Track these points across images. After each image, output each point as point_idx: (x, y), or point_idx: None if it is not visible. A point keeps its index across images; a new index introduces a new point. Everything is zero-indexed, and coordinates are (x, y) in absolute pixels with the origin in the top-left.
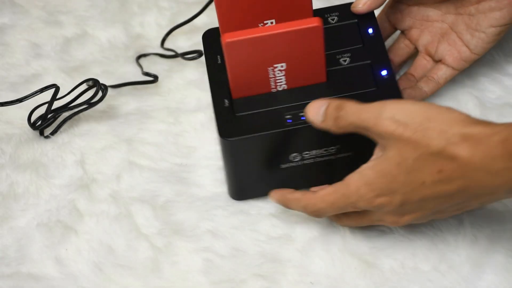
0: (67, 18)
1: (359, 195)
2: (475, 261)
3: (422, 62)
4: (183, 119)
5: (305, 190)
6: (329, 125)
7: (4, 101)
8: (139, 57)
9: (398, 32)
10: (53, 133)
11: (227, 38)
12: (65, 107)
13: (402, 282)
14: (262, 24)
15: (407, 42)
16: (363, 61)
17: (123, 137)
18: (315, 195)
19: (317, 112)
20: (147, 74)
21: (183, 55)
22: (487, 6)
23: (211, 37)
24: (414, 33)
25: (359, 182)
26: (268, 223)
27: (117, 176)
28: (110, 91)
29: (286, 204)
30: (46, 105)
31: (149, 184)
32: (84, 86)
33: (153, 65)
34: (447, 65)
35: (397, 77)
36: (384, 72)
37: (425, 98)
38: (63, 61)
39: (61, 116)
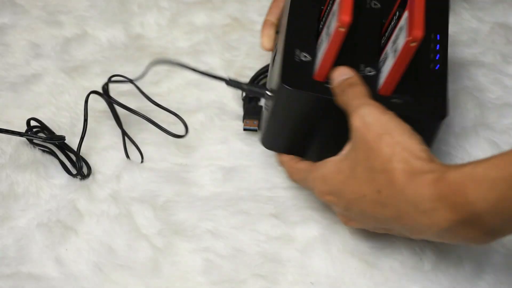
0: (67, 18)
1: (314, 185)
2: (475, 261)
3: None
4: (183, 119)
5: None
6: (335, 93)
7: (4, 129)
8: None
9: None
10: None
11: (347, 18)
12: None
13: (402, 282)
14: None
15: None
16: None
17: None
18: (295, 164)
19: (337, 77)
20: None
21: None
22: None
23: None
24: None
25: (318, 172)
26: (268, 223)
27: (117, 176)
28: (110, 90)
29: (279, 162)
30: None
31: (149, 184)
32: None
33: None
34: None
35: None
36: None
37: None
38: (63, 61)
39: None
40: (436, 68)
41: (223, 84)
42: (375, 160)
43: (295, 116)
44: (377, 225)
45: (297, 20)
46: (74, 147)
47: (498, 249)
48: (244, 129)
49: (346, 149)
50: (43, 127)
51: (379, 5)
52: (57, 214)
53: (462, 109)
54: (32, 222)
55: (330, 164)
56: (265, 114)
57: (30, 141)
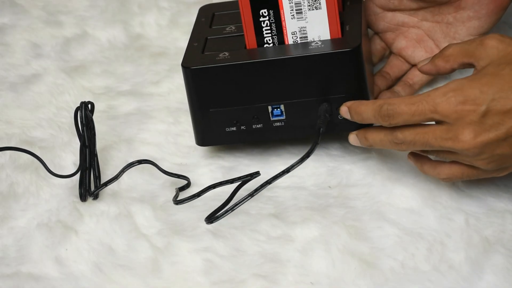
0: (67, 18)
1: (443, 98)
2: (475, 261)
3: (397, 62)
4: (183, 119)
5: None
6: (439, 62)
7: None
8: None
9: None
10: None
11: None
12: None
13: (402, 282)
14: None
15: (382, 44)
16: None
17: (123, 137)
18: (396, 97)
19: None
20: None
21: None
22: (465, 15)
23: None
24: (388, 36)
25: (448, 87)
26: (268, 223)
27: (117, 176)
28: (110, 90)
29: (357, 107)
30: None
31: (149, 184)
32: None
33: (153, 65)
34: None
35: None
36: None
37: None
38: (63, 61)
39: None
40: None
41: None
42: None
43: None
44: None
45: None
46: (74, 147)
47: (498, 249)
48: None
49: (474, 72)
50: None
51: None
52: (57, 214)
53: None
54: (32, 222)
55: (460, 81)
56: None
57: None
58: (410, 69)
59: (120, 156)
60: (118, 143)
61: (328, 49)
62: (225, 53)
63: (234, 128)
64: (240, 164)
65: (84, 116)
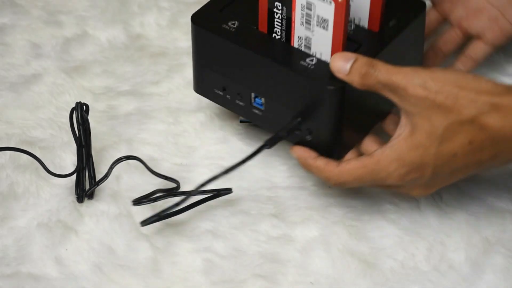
0: (67, 18)
1: (389, 171)
2: (475, 261)
3: (453, 36)
4: (183, 119)
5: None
6: (354, 80)
7: (15, 147)
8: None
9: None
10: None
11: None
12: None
13: (402, 282)
14: None
15: (437, 15)
16: None
17: (123, 137)
18: (340, 168)
19: (343, 66)
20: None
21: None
22: None
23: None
24: (446, 6)
25: (388, 158)
26: (268, 223)
27: (117, 176)
28: (110, 90)
29: (306, 167)
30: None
31: (149, 184)
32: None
33: (153, 65)
34: (486, 42)
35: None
36: None
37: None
38: (63, 61)
39: None
40: None
41: None
42: (458, 116)
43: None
44: (465, 174)
45: None
46: (74, 147)
47: (498, 249)
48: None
49: (406, 124)
50: None
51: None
52: (57, 214)
53: None
54: (32, 222)
55: (399, 145)
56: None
57: None
58: (471, 41)
59: (120, 156)
60: (118, 143)
61: (311, 74)
62: (235, 22)
63: (221, 93)
64: None
65: (80, 116)
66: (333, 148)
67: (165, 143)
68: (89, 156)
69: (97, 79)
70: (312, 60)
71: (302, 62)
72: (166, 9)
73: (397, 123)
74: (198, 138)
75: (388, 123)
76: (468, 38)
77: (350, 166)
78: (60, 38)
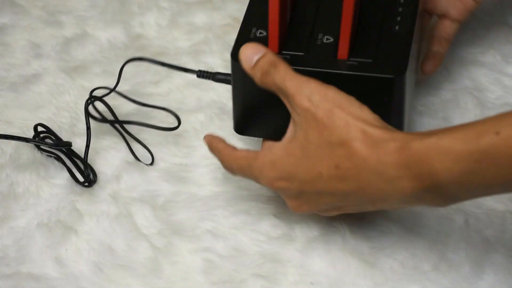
0: (67, 18)
1: (262, 171)
2: (475, 261)
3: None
4: (183, 119)
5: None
6: (256, 75)
7: (10, 135)
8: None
9: None
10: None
11: None
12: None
13: (402, 282)
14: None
15: None
16: None
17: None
18: (233, 152)
19: (250, 57)
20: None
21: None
22: None
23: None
24: None
25: (265, 158)
26: (268, 223)
27: (117, 176)
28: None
29: (211, 150)
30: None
31: (149, 184)
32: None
33: (153, 65)
34: (452, 20)
35: None
36: None
37: (443, 60)
38: (63, 61)
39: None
40: (399, 29)
41: (223, 84)
42: (330, 135)
43: (254, 92)
44: (333, 204)
45: (258, 2)
46: (76, 147)
47: (498, 249)
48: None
49: (291, 131)
50: (49, 132)
51: None
52: (57, 214)
53: (462, 109)
54: (32, 222)
55: (277, 149)
56: (233, 95)
57: (38, 147)
58: (438, 21)
59: (120, 156)
60: (118, 143)
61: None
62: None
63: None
64: None
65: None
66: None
67: (165, 143)
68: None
69: (97, 79)
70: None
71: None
72: (166, 9)
73: None
74: (198, 138)
75: None
76: (434, 18)
77: (238, 154)
78: (60, 38)
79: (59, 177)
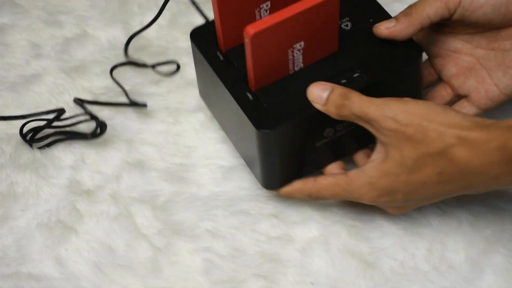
0: (67, 18)
1: (361, 193)
2: (475, 261)
3: (442, 93)
4: (183, 119)
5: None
6: (330, 111)
7: (6, 116)
8: (112, 69)
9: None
10: (41, 147)
11: (251, 30)
12: (60, 130)
13: (402, 282)
14: (258, 9)
15: (431, 70)
16: (364, 21)
17: (123, 137)
18: (317, 183)
19: (320, 95)
20: (134, 103)
21: (154, 66)
22: None
23: (199, 36)
24: (438, 62)
25: (361, 181)
26: (268, 223)
27: (117, 176)
28: (110, 90)
29: (291, 196)
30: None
31: (149, 184)
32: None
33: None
34: (472, 103)
35: None
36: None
37: None
38: (63, 61)
39: (54, 136)
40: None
41: None
42: (427, 148)
43: (287, 147)
44: (441, 198)
45: (223, 71)
46: (75, 146)
47: (498, 249)
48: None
49: (380, 151)
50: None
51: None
52: (57, 214)
53: None
54: (32, 222)
55: (371, 170)
56: (261, 159)
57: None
58: (459, 101)
59: (120, 156)
60: (118, 143)
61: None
62: None
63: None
64: (240, 164)
65: None
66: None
67: (165, 143)
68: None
69: (97, 79)
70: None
71: None
72: (166, 9)
73: (367, 156)
74: (198, 138)
75: (358, 156)
76: (458, 97)
77: (326, 182)
78: (60, 38)
79: (59, 177)
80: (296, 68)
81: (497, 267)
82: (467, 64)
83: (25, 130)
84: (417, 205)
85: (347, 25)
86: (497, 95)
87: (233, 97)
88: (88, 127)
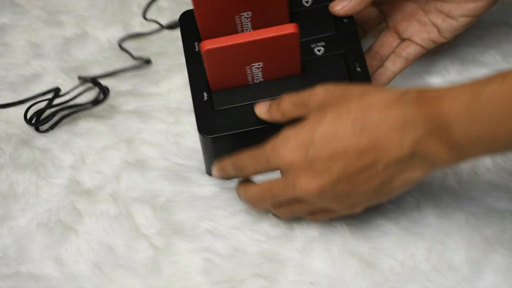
0: (67, 18)
1: (273, 151)
2: (475, 261)
3: (389, 40)
4: (184, 119)
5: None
6: (273, 110)
7: (5, 103)
8: (121, 41)
9: None
10: (49, 129)
11: (206, 46)
12: (64, 106)
13: (402, 282)
14: (238, 16)
15: (378, 13)
16: (337, 51)
17: (123, 137)
18: (239, 155)
19: (263, 113)
20: (139, 58)
21: (168, 27)
22: None
23: (188, 21)
24: (385, 8)
25: (277, 138)
26: (268, 223)
27: (117, 176)
28: (110, 90)
29: (219, 164)
30: (45, 102)
31: (149, 184)
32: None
33: (153, 65)
34: (416, 43)
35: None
36: (357, 68)
37: (392, 78)
38: (63, 61)
39: (58, 114)
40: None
41: None
42: (347, 104)
43: (226, 152)
44: (345, 175)
45: (194, 63)
46: (75, 146)
47: (498, 249)
48: None
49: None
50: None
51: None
52: (57, 214)
53: None
54: (32, 222)
55: (285, 131)
56: (204, 154)
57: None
58: (403, 42)
59: (120, 156)
60: (118, 143)
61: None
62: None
63: None
64: None
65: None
66: None
67: (165, 143)
68: None
69: (98, 81)
70: None
71: None
72: (166, 9)
73: None
74: (198, 138)
75: None
76: (403, 41)
77: (247, 151)
78: (60, 38)
79: (59, 177)
80: (255, 81)
81: (497, 267)
82: (411, 10)
83: (28, 115)
84: (323, 182)
85: (319, 50)
86: (437, 37)
87: (191, 90)
88: (89, 99)
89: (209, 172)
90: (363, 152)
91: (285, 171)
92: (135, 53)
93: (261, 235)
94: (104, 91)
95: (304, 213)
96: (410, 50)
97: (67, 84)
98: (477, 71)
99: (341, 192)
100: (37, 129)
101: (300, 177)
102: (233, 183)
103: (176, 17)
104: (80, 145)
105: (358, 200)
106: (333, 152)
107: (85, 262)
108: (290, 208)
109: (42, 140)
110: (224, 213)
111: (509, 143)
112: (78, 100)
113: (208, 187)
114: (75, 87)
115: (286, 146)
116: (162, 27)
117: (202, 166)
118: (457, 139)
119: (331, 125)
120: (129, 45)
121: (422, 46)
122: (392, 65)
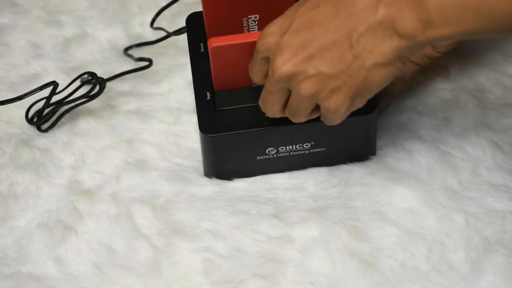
0: (67, 18)
1: (262, 34)
2: (475, 261)
3: None
4: (184, 119)
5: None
6: (261, 62)
7: (4, 100)
8: (127, 49)
9: None
10: (50, 127)
11: (213, 43)
12: (62, 101)
13: (402, 282)
14: (246, 18)
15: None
16: None
17: (123, 137)
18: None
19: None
20: (140, 59)
21: (174, 33)
22: None
23: (195, 22)
24: None
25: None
26: (268, 223)
27: (117, 176)
28: (110, 90)
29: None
30: (44, 100)
31: (149, 184)
32: (81, 81)
33: (153, 65)
34: (411, 61)
35: None
36: None
37: (393, 100)
38: (63, 61)
39: (59, 111)
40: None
41: None
42: None
43: (225, 152)
44: (312, 37)
45: (198, 63)
46: (75, 147)
47: (498, 249)
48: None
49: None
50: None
51: None
52: (57, 214)
53: (462, 109)
54: (32, 222)
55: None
56: (203, 154)
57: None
58: None
59: (120, 156)
60: (118, 143)
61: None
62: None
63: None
64: None
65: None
66: None
67: (166, 143)
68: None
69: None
70: None
71: None
72: (166, 9)
73: None
74: (198, 138)
75: None
76: None
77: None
78: (60, 38)
79: (59, 177)
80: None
81: (497, 267)
82: None
83: (29, 114)
84: (291, 41)
85: None
86: (431, 53)
87: (194, 89)
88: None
89: (207, 174)
90: (338, 23)
91: (269, 57)
92: (135, 54)
93: (261, 235)
94: (101, 83)
95: (302, 107)
96: (406, 70)
97: (67, 84)
98: (477, 71)
99: (318, 71)
100: (39, 128)
101: (276, 58)
102: (233, 183)
103: (176, 16)
104: (80, 145)
105: (336, 85)
106: (308, 27)
107: (85, 262)
108: (290, 104)
109: (42, 140)
110: (224, 213)
111: (476, 19)
112: (77, 96)
113: (208, 187)
114: (72, 82)
115: (269, 26)
116: (169, 34)
117: (202, 167)
118: (427, 5)
119: (310, 7)
120: (129, 44)
121: (417, 63)
122: (390, 88)
